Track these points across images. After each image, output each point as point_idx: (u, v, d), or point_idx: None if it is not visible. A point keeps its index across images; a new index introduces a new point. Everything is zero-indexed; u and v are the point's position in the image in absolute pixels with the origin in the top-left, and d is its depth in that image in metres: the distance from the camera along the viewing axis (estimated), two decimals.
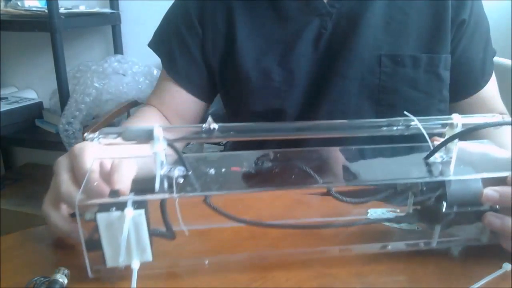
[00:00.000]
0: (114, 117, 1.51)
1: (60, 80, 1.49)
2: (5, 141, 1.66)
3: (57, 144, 1.53)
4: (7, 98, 1.78)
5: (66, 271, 0.43)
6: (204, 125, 0.45)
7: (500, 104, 0.82)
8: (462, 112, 0.79)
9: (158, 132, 0.44)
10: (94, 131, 0.44)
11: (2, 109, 1.64)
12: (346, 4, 0.74)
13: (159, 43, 0.83)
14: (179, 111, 0.83)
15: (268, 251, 0.51)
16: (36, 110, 1.77)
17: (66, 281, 0.43)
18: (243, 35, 0.76)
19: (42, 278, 0.44)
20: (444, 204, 0.46)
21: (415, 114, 0.75)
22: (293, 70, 0.75)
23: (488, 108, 0.80)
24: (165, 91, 0.83)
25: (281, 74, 0.75)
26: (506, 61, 0.96)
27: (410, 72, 0.73)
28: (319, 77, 0.75)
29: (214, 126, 0.45)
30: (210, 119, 0.45)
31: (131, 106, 1.57)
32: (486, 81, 0.80)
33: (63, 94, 1.52)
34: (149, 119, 0.80)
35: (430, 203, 0.48)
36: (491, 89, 0.81)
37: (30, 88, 1.91)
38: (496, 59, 0.83)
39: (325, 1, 0.74)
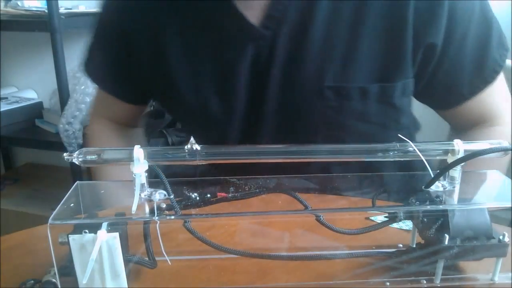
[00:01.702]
0: None
1: (60, 80, 1.48)
2: (5, 141, 1.66)
3: (57, 144, 1.53)
4: (7, 98, 1.77)
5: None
6: (186, 146, 0.43)
7: (498, 105, 0.72)
8: (451, 117, 0.73)
9: (138, 153, 0.42)
10: None
11: (2, 109, 1.64)
12: (284, 25, 0.63)
13: (90, 67, 0.80)
14: (117, 118, 0.85)
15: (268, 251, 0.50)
16: (36, 110, 1.76)
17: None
18: (176, 59, 0.68)
19: (32, 281, 0.43)
20: (447, 236, 0.42)
21: None
22: (231, 100, 0.67)
23: (479, 113, 0.72)
24: (104, 103, 0.85)
25: (219, 104, 0.68)
26: (506, 61, 0.95)
27: (358, 105, 0.65)
28: (258, 108, 0.67)
29: (197, 147, 0.44)
30: (192, 139, 0.44)
31: None
32: (475, 93, 0.69)
33: (63, 94, 1.51)
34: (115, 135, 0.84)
35: (432, 236, 0.44)
36: (488, 94, 0.70)
37: (30, 88, 1.90)
38: None
39: (256, 25, 0.64)
